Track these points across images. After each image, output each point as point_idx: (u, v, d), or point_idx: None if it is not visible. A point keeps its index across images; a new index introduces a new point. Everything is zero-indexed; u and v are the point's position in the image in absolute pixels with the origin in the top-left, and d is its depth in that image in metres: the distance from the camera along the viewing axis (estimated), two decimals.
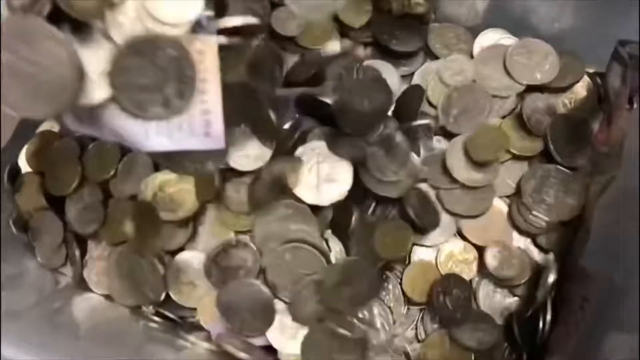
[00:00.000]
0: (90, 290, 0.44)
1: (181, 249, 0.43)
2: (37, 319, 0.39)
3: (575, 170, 0.42)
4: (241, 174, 0.41)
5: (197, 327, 0.42)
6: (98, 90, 0.29)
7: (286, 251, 0.40)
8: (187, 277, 0.42)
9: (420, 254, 0.43)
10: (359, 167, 0.41)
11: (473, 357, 0.41)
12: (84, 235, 0.44)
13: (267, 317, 0.40)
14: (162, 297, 0.42)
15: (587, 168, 0.42)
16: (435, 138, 0.44)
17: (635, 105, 0.38)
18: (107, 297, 0.44)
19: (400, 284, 0.42)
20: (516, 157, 0.43)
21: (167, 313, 0.42)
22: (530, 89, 0.44)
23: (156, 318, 0.42)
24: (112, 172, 0.44)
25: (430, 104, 0.45)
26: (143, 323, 0.41)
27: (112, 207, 0.44)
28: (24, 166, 0.47)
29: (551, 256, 0.41)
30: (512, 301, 0.42)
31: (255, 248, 0.41)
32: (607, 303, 0.34)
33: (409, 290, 0.42)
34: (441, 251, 0.42)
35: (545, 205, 0.42)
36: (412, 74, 0.47)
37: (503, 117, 0.44)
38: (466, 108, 0.44)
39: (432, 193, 0.42)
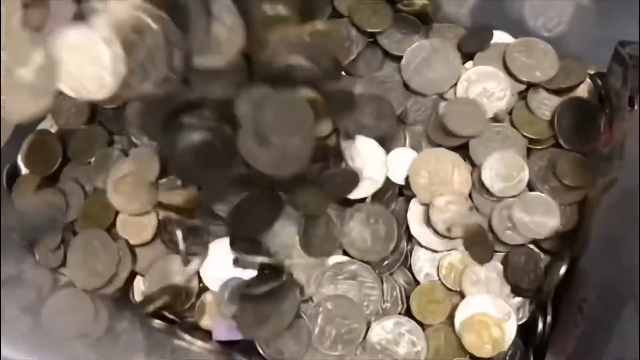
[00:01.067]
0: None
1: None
2: (36, 318, 0.39)
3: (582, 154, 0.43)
4: None
5: (195, 327, 0.42)
6: None
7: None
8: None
9: (423, 267, 0.43)
10: None
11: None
12: None
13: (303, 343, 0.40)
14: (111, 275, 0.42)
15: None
16: None
17: (636, 106, 0.38)
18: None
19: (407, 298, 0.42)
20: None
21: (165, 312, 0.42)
22: (531, 87, 0.45)
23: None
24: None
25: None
26: (143, 322, 0.41)
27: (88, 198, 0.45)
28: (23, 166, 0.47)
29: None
30: (514, 302, 0.41)
31: None
32: (606, 304, 0.33)
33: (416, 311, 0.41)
34: (441, 266, 0.42)
35: (548, 186, 0.42)
36: None
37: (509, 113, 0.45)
38: (485, 92, 0.44)
39: None
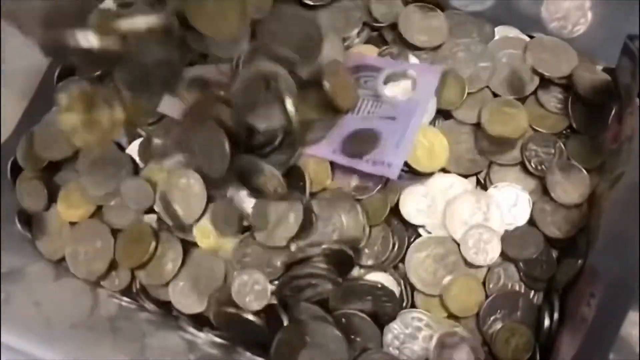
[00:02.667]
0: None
1: None
2: (38, 312, 0.39)
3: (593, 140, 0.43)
4: None
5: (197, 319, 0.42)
6: None
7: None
8: None
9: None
10: None
11: None
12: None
13: None
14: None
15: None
16: None
17: None
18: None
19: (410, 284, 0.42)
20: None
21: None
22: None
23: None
24: None
25: None
26: (143, 316, 0.41)
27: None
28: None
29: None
30: None
31: None
32: (613, 300, 0.33)
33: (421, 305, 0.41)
34: None
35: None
36: None
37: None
38: (510, 79, 0.45)
39: None
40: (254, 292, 0.40)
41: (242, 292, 0.40)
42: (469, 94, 0.44)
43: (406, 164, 0.42)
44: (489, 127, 0.43)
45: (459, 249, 0.41)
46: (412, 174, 0.42)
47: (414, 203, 0.42)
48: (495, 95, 0.45)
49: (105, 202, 0.44)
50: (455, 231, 0.41)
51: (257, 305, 0.39)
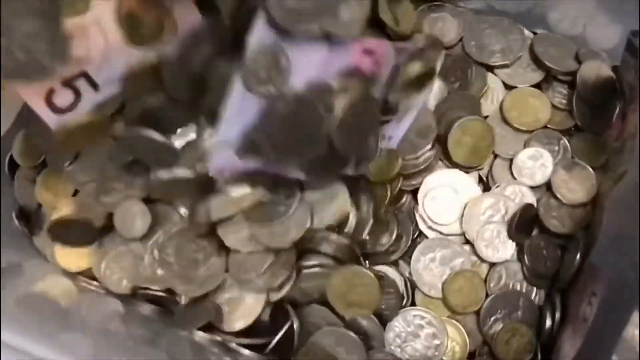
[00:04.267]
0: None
1: None
2: (35, 309, 0.39)
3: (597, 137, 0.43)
4: None
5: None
6: None
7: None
8: None
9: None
10: None
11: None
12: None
13: None
14: None
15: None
16: None
17: None
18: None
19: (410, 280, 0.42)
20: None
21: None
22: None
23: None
24: None
25: None
26: (141, 312, 0.41)
27: None
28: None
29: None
30: None
31: None
32: (615, 299, 0.33)
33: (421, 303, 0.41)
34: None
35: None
36: None
37: None
38: (529, 61, 0.45)
39: None
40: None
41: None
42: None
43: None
44: (509, 116, 0.43)
45: (471, 243, 0.41)
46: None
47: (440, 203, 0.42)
48: (507, 87, 0.45)
49: (82, 187, 0.43)
50: (470, 230, 0.41)
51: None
